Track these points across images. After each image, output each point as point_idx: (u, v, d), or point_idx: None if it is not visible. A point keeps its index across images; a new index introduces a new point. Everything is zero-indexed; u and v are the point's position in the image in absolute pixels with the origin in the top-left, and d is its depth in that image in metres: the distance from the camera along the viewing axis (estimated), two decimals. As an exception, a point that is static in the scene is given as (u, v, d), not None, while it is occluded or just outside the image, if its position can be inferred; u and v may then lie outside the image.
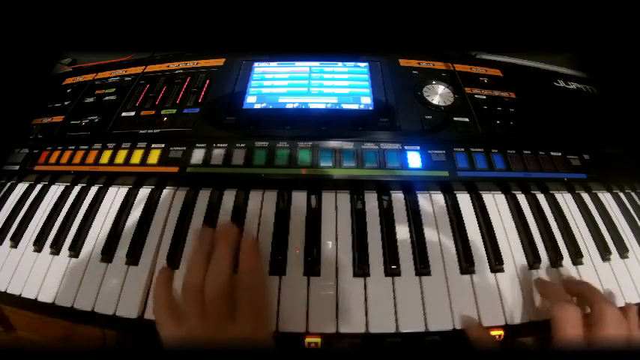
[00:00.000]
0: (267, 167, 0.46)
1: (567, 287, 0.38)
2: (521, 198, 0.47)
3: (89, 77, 0.63)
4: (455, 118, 0.51)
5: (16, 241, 0.45)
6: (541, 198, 0.47)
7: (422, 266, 0.40)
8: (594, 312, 0.35)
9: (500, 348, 0.36)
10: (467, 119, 0.51)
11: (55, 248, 0.44)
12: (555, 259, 0.42)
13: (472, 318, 0.37)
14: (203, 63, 0.61)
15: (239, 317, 0.32)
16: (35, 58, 0.58)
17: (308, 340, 0.36)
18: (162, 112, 0.53)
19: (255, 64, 0.59)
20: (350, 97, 0.54)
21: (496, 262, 0.41)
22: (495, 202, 0.47)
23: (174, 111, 0.53)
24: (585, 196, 0.49)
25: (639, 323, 0.36)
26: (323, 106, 0.52)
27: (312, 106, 0.53)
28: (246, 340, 0.31)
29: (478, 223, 0.44)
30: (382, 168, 0.46)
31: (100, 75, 0.63)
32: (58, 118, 0.56)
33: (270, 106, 0.53)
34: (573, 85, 0.60)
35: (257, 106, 0.53)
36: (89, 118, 0.55)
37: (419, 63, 0.59)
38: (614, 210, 0.48)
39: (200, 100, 0.54)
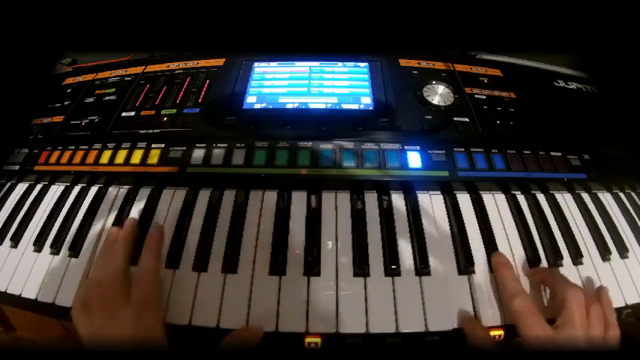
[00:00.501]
0: (267, 167, 0.46)
1: (531, 278, 0.40)
2: (521, 198, 0.47)
3: (89, 77, 0.63)
4: (455, 118, 0.51)
5: (16, 241, 0.45)
6: (541, 198, 0.47)
7: (422, 266, 0.40)
8: (560, 297, 0.35)
9: (495, 343, 0.36)
10: (467, 119, 0.51)
11: (55, 248, 0.44)
12: (555, 259, 0.42)
13: (467, 313, 0.38)
14: (203, 63, 0.61)
15: (130, 303, 0.35)
16: (35, 58, 0.58)
17: (308, 340, 0.36)
18: (162, 112, 0.53)
19: (255, 64, 0.59)
20: (350, 97, 0.54)
21: (496, 262, 0.40)
22: (495, 202, 0.47)
23: (174, 111, 0.53)
24: (585, 196, 0.49)
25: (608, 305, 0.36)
26: (323, 106, 0.52)
27: (312, 106, 0.53)
28: (133, 328, 0.33)
29: (478, 223, 0.44)
30: (382, 168, 0.46)
31: (100, 75, 0.63)
32: (58, 118, 0.56)
33: (270, 106, 0.53)
34: (573, 85, 0.60)
35: (257, 106, 0.53)
36: (89, 118, 0.55)
37: (419, 63, 0.59)
38: (614, 210, 0.48)
39: (200, 100, 0.54)
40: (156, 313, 0.36)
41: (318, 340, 0.36)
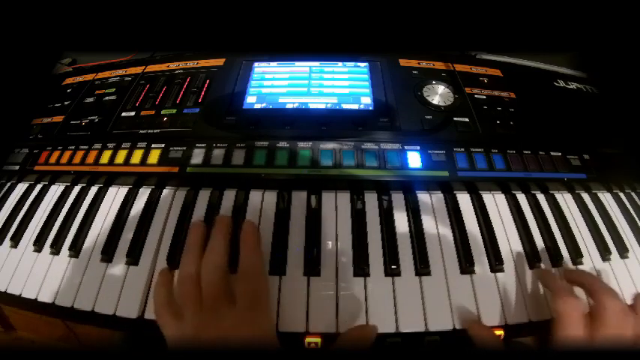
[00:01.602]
0: (267, 167, 0.46)
1: (569, 278, 0.38)
2: (521, 198, 0.47)
3: (89, 77, 0.63)
4: (455, 118, 0.51)
5: (16, 241, 0.45)
6: (541, 198, 0.47)
7: (422, 266, 0.40)
8: (596, 304, 0.34)
9: (503, 346, 0.36)
10: (467, 119, 0.51)
11: (55, 248, 0.44)
12: (555, 259, 0.42)
13: (467, 313, 0.37)
14: (203, 63, 0.61)
15: (238, 301, 0.32)
16: (35, 58, 0.58)
17: (308, 340, 0.36)
18: (162, 112, 0.53)
19: (255, 64, 0.59)
20: (350, 97, 0.54)
21: (496, 262, 0.41)
22: (495, 202, 0.47)
23: (174, 111, 0.53)
24: (585, 196, 0.49)
25: None
26: (323, 106, 0.52)
27: (312, 106, 0.53)
28: (245, 326, 0.30)
29: (478, 223, 0.44)
30: (382, 168, 0.46)
31: (100, 75, 0.63)
32: (58, 118, 0.56)
33: (270, 106, 0.53)
34: (573, 85, 0.60)
35: (257, 106, 0.53)
36: (89, 118, 0.55)
37: (419, 63, 0.59)
38: (614, 210, 0.48)
39: (200, 100, 0.54)
40: (266, 311, 0.34)
41: (318, 340, 0.36)
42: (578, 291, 0.37)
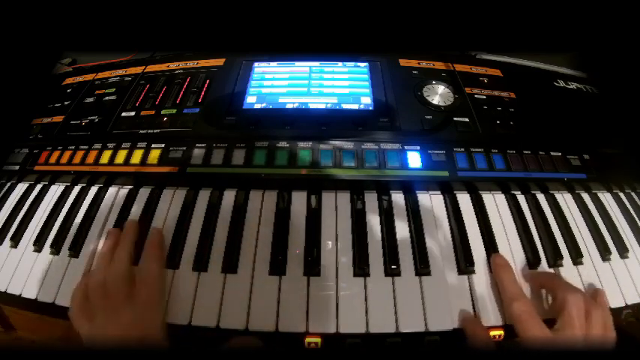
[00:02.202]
0: (267, 167, 0.46)
1: (531, 282, 0.39)
2: (521, 198, 0.47)
3: (89, 77, 0.63)
4: (455, 118, 0.51)
5: (16, 241, 0.45)
6: (541, 198, 0.47)
7: (422, 266, 0.40)
8: (559, 300, 0.35)
9: (495, 345, 0.36)
10: (467, 119, 0.51)
11: (55, 248, 0.44)
12: (555, 259, 0.42)
13: (469, 313, 0.38)
14: (203, 63, 0.61)
15: (135, 302, 0.36)
16: (35, 58, 0.58)
17: (308, 340, 0.36)
18: (162, 112, 0.53)
19: (255, 64, 0.59)
20: (350, 97, 0.54)
21: (496, 262, 0.40)
22: (495, 202, 0.47)
23: (174, 111, 0.53)
24: (585, 196, 0.49)
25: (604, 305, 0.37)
26: (323, 106, 0.52)
27: (312, 106, 0.53)
28: (134, 327, 0.34)
29: (478, 223, 0.44)
30: (382, 168, 0.46)
31: (100, 75, 0.63)
32: (58, 118, 0.56)
33: (270, 106, 0.53)
34: (573, 85, 0.60)
35: (257, 106, 0.53)
36: (89, 118, 0.55)
37: (419, 63, 0.59)
38: (614, 210, 0.48)
39: (200, 100, 0.54)
40: (158, 314, 0.37)
41: (318, 340, 0.36)
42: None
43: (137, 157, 0.48)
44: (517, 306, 0.35)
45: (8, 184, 0.53)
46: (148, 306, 0.36)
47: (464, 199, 0.46)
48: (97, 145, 0.51)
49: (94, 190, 0.49)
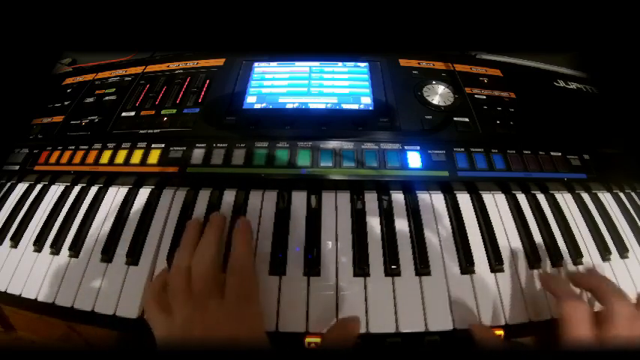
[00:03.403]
0: (267, 167, 0.46)
1: (576, 281, 0.37)
2: (521, 198, 0.47)
3: (89, 77, 0.63)
4: (455, 118, 0.51)
5: (16, 241, 0.45)
6: (541, 198, 0.48)
7: (422, 266, 0.40)
8: (606, 308, 0.33)
9: (505, 347, 0.35)
10: (467, 119, 0.51)
11: (55, 248, 0.44)
12: (555, 259, 0.42)
13: (467, 313, 0.37)
14: (203, 63, 0.61)
15: (226, 295, 0.32)
16: (35, 58, 0.58)
17: (308, 340, 0.36)
18: (162, 112, 0.53)
19: (255, 64, 0.59)
20: (350, 97, 0.54)
21: (496, 262, 0.41)
22: (495, 202, 0.47)
23: (174, 111, 0.53)
24: (585, 196, 0.49)
25: None
26: (323, 106, 0.52)
27: (312, 106, 0.53)
28: (231, 322, 0.30)
29: (478, 223, 0.44)
30: (382, 168, 0.46)
31: (100, 75, 0.63)
32: (58, 118, 0.56)
33: (270, 106, 0.53)
34: (573, 85, 0.60)
35: (257, 106, 0.53)
36: (89, 118, 0.55)
37: (419, 63, 0.59)
38: (614, 210, 0.48)
39: (200, 100, 0.54)
40: (256, 306, 0.33)
41: (318, 340, 0.36)
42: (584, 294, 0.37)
43: (137, 157, 0.48)
44: (572, 305, 0.32)
45: (8, 184, 0.53)
46: (243, 298, 0.31)
47: (464, 199, 0.46)
48: (97, 145, 0.51)
49: (94, 190, 0.49)
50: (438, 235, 0.43)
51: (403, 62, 0.59)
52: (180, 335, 0.30)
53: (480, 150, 0.48)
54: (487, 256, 0.42)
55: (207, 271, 0.33)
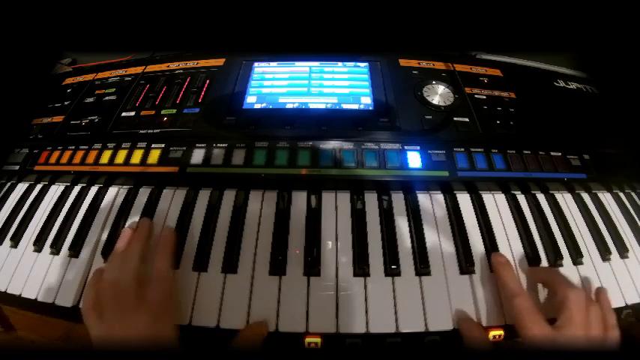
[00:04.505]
0: (267, 167, 0.46)
1: (531, 277, 0.39)
2: (521, 198, 0.47)
3: (89, 77, 0.63)
4: (455, 118, 0.51)
5: (16, 241, 0.45)
6: (541, 198, 0.47)
7: (422, 266, 0.40)
8: (559, 297, 0.35)
9: (491, 344, 0.36)
10: (467, 119, 0.51)
11: (55, 248, 0.44)
12: (555, 259, 0.42)
13: (467, 312, 0.38)
14: (203, 63, 0.61)
15: (145, 307, 0.35)
16: (35, 58, 0.58)
17: (308, 340, 0.36)
18: (162, 112, 0.53)
19: (255, 64, 0.59)
20: (350, 97, 0.54)
21: (496, 262, 0.40)
22: (495, 202, 0.47)
23: (174, 111, 0.53)
24: (585, 196, 0.49)
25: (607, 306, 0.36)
26: (323, 106, 0.52)
27: (312, 106, 0.53)
28: (146, 329, 0.33)
29: (478, 223, 0.44)
30: (382, 168, 0.46)
31: (100, 75, 0.63)
32: (58, 118, 0.56)
33: (270, 106, 0.53)
34: (573, 85, 0.60)
35: (257, 106, 0.53)
36: (89, 118, 0.55)
37: (419, 63, 0.59)
38: (614, 210, 0.48)
39: (200, 100, 0.54)
40: (170, 316, 0.36)
41: (318, 340, 0.36)
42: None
43: (137, 157, 0.48)
44: (518, 302, 0.35)
45: (8, 184, 0.53)
46: (159, 308, 0.35)
47: (464, 199, 0.46)
48: (97, 145, 0.51)
49: (94, 190, 0.49)
50: (438, 235, 0.43)
51: (403, 62, 0.59)
52: (110, 336, 0.33)
53: (480, 150, 0.48)
54: (487, 256, 0.42)
55: (129, 283, 0.35)
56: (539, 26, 0.50)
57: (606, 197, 0.49)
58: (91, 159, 0.50)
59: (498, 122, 0.51)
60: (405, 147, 0.48)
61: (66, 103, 0.59)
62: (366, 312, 0.37)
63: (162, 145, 0.49)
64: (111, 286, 0.36)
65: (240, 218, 0.44)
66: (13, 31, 0.49)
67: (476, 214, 0.45)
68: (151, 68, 0.62)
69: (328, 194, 0.46)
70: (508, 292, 0.36)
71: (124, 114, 0.54)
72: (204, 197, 0.47)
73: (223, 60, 0.60)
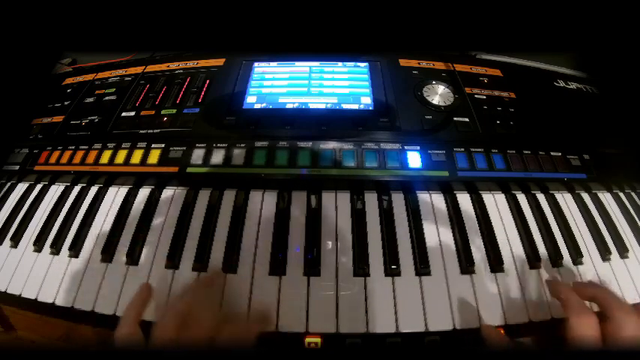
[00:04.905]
0: (267, 167, 0.46)
1: (580, 291, 0.36)
2: (521, 198, 0.47)
3: (89, 77, 0.63)
4: (455, 118, 0.51)
5: (16, 241, 0.45)
6: (541, 198, 0.47)
7: (422, 266, 0.40)
8: (613, 321, 0.32)
9: (509, 347, 0.35)
10: (467, 119, 0.51)
11: (55, 248, 0.44)
12: (555, 259, 0.42)
13: (467, 313, 0.37)
14: (203, 63, 0.61)
15: None
16: (35, 58, 0.58)
17: (308, 340, 0.36)
18: (162, 112, 0.53)
19: (255, 64, 0.59)
20: (350, 97, 0.54)
21: (496, 262, 0.41)
22: (495, 202, 0.47)
23: (174, 111, 0.53)
24: (585, 196, 0.49)
25: None
26: (323, 106, 0.52)
27: (312, 106, 0.53)
28: None
29: (478, 223, 0.44)
30: (382, 168, 0.46)
31: (100, 75, 0.63)
32: (58, 118, 0.56)
33: (270, 106, 0.53)
34: (573, 85, 0.60)
35: (257, 106, 0.53)
36: (89, 118, 0.55)
37: (419, 63, 0.59)
38: (614, 210, 0.48)
39: (200, 100, 0.54)
40: None
41: (318, 340, 0.36)
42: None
43: (137, 157, 0.48)
44: (586, 324, 0.31)
45: (8, 184, 0.53)
46: None
47: (464, 199, 0.46)
48: (97, 145, 0.51)
49: (94, 190, 0.49)
50: (438, 235, 0.43)
51: (403, 62, 0.59)
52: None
53: (480, 150, 0.48)
54: (487, 256, 0.42)
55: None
56: (539, 26, 0.50)
57: (606, 197, 0.49)
58: (91, 159, 0.50)
59: (498, 122, 0.51)
60: (405, 147, 0.48)
61: (66, 103, 0.59)
62: (366, 312, 0.37)
63: (163, 145, 0.49)
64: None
65: (240, 218, 0.44)
66: (14, 31, 0.49)
67: (476, 214, 0.45)
68: (150, 68, 0.62)
69: (328, 194, 0.46)
70: (571, 307, 0.33)
71: (124, 114, 0.54)
72: (204, 197, 0.47)
73: (223, 60, 0.60)
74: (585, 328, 0.32)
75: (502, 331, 0.37)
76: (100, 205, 0.48)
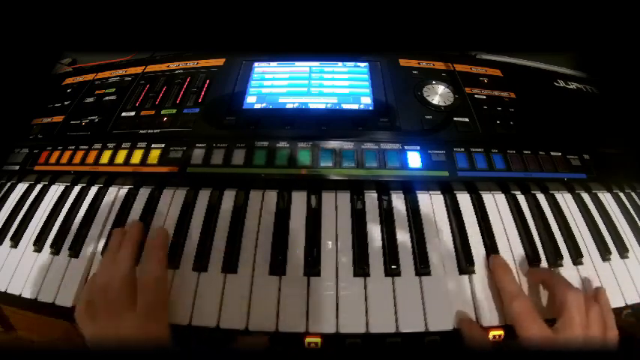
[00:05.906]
0: (267, 167, 0.46)
1: (530, 278, 0.40)
2: (521, 198, 0.47)
3: (89, 77, 0.63)
4: (455, 118, 0.51)
5: (16, 241, 0.45)
6: (541, 198, 0.47)
7: (422, 266, 0.40)
8: (558, 298, 0.35)
9: (491, 344, 0.36)
10: (467, 119, 0.51)
11: (55, 248, 0.44)
12: (555, 259, 0.42)
13: (467, 313, 0.38)
14: (203, 63, 0.61)
15: (137, 309, 0.35)
16: (35, 58, 0.58)
17: (308, 340, 0.36)
18: (162, 112, 0.53)
19: (255, 64, 0.59)
20: (350, 97, 0.54)
21: (496, 262, 0.40)
22: (495, 202, 0.47)
23: (174, 111, 0.53)
24: (585, 196, 0.49)
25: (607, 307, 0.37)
26: (323, 106, 0.52)
27: (312, 106, 0.53)
28: (137, 329, 0.33)
29: (478, 223, 0.44)
30: (382, 168, 0.46)
31: (100, 75, 0.63)
32: (58, 118, 0.56)
33: (270, 106, 0.53)
34: (573, 85, 0.60)
35: (257, 106, 0.53)
36: (89, 118, 0.55)
37: (419, 63, 0.59)
38: (614, 210, 0.48)
39: (200, 100, 0.54)
40: (161, 318, 0.36)
41: (318, 340, 0.36)
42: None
43: (137, 157, 0.48)
44: (516, 304, 0.35)
45: (8, 184, 0.53)
46: (149, 311, 0.35)
47: (464, 199, 0.46)
48: (97, 145, 0.51)
49: (94, 190, 0.49)
50: (438, 235, 0.43)
51: (403, 62, 0.59)
52: (103, 338, 0.34)
53: (480, 150, 0.48)
54: (487, 256, 0.42)
55: (119, 285, 0.35)
56: (539, 26, 0.50)
57: (606, 197, 0.49)
58: (91, 159, 0.50)
59: (498, 122, 0.51)
60: (405, 147, 0.48)
61: (66, 103, 0.59)
62: (366, 312, 0.37)
63: (162, 145, 0.49)
64: (102, 288, 0.36)
65: (240, 218, 0.44)
66: (14, 31, 0.49)
67: (476, 214, 0.45)
68: (150, 68, 0.62)
69: (328, 194, 0.46)
70: (507, 294, 0.36)
71: (124, 114, 0.54)
72: (204, 197, 0.47)
73: (223, 60, 0.60)
74: (524, 308, 0.34)
75: (502, 332, 0.37)
76: (100, 205, 0.48)
